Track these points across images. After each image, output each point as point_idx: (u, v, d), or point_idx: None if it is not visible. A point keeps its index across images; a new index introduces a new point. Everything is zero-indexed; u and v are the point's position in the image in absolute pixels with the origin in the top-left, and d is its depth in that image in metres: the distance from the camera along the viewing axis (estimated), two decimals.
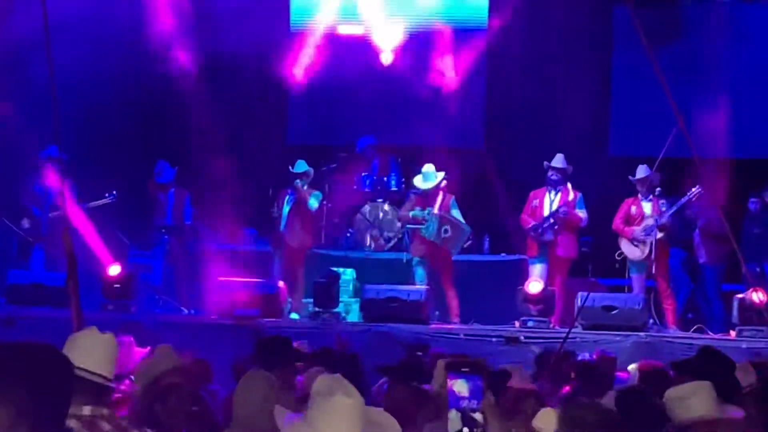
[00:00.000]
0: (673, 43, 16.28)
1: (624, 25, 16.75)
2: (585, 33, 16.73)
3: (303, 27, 17.68)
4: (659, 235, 13.61)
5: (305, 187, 14.62)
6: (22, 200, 14.86)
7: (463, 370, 3.46)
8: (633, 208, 13.86)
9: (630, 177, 13.83)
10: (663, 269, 13.78)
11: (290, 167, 14.72)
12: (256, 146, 16.64)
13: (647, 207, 13.81)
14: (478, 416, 3.43)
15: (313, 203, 14.56)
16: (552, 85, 16.50)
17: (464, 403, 3.43)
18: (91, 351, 4.41)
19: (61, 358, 3.22)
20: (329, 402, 3.47)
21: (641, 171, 13.79)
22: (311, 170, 14.81)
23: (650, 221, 13.68)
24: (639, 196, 13.86)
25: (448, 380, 3.45)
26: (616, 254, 13.90)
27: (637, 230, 13.73)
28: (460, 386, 3.44)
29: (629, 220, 13.85)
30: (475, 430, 3.42)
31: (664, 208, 13.70)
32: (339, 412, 3.47)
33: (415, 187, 14.74)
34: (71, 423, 4.11)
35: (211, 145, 16.25)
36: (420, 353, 10.53)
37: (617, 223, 13.84)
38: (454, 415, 3.44)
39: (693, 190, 13.53)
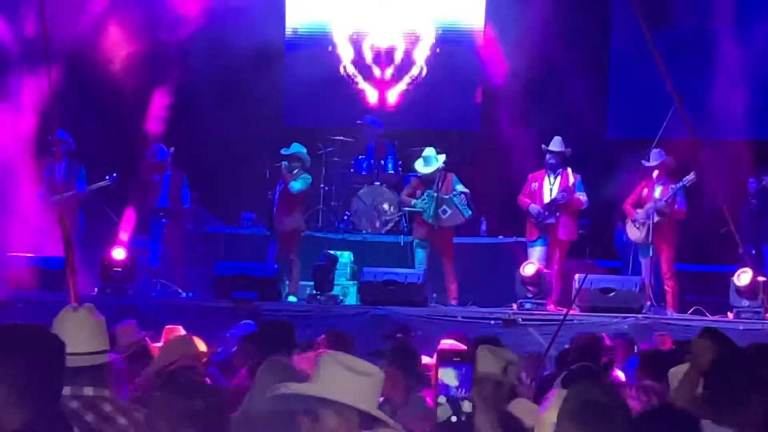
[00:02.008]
0: (671, 25, 16.25)
1: (622, 7, 16.71)
2: (583, 15, 16.70)
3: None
4: (657, 218, 13.63)
5: (295, 171, 14.56)
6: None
7: (454, 359, 3.48)
8: (645, 191, 13.85)
9: (643, 162, 13.75)
10: (666, 252, 13.79)
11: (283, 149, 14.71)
12: (252, 128, 16.63)
13: (657, 191, 13.81)
14: (466, 404, 3.45)
15: (295, 186, 14.39)
16: (549, 67, 16.47)
17: (453, 392, 3.46)
18: (76, 332, 4.33)
19: (53, 339, 3.24)
20: (326, 356, 3.58)
21: (656, 156, 13.71)
22: (302, 154, 14.68)
23: (651, 204, 13.70)
24: (653, 179, 13.83)
25: (438, 369, 3.49)
26: (624, 237, 13.92)
27: (639, 212, 13.76)
28: (449, 375, 3.47)
29: (640, 203, 13.85)
30: (462, 418, 3.44)
31: (670, 191, 13.70)
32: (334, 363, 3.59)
33: (414, 170, 14.73)
34: (73, 404, 4.12)
35: (208, 127, 16.24)
36: (400, 335, 10.57)
37: (626, 204, 13.84)
38: (443, 401, 3.46)
39: (687, 177, 13.50)
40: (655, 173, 13.78)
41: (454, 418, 3.44)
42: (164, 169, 15.01)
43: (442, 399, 3.46)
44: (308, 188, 14.69)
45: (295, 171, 14.53)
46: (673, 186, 13.69)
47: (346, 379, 3.68)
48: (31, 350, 3.17)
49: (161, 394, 3.80)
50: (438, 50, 17.81)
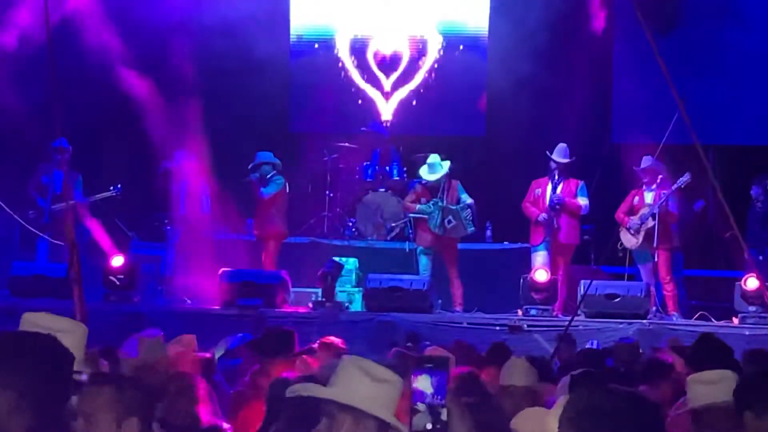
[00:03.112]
0: (674, 30, 16.25)
1: (625, 11, 16.71)
2: (586, 20, 16.68)
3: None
4: (651, 223, 13.62)
5: (269, 175, 14.65)
6: (29, 191, 14.88)
7: (427, 366, 3.49)
8: (636, 199, 13.92)
9: (635, 167, 13.83)
10: (663, 256, 13.79)
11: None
12: (258, 135, 16.64)
13: (649, 197, 13.84)
14: (443, 412, 3.46)
15: (267, 191, 14.58)
16: (554, 73, 16.47)
17: (428, 399, 3.47)
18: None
19: (60, 349, 3.25)
20: (348, 360, 3.64)
21: (645, 161, 13.79)
22: (270, 158, 14.75)
23: (646, 210, 13.71)
24: (643, 186, 13.88)
25: (413, 377, 3.49)
26: (618, 245, 13.91)
27: (633, 219, 13.77)
28: (423, 382, 3.47)
29: (632, 211, 13.88)
30: (438, 426, 3.45)
31: (662, 195, 13.73)
32: (356, 369, 3.63)
33: (419, 177, 14.72)
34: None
35: (213, 133, 16.25)
36: (410, 344, 10.54)
37: (619, 213, 13.88)
38: (422, 408, 3.47)
39: (682, 178, 13.52)
40: (643, 179, 13.81)
41: (429, 426, 3.45)
42: (181, 177, 15.03)
43: (421, 406, 3.47)
44: (283, 190, 14.73)
45: (269, 176, 14.60)
46: (665, 192, 13.70)
47: (364, 385, 3.70)
48: (38, 358, 3.19)
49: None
50: (442, 56, 17.82)
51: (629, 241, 13.84)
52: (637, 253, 13.95)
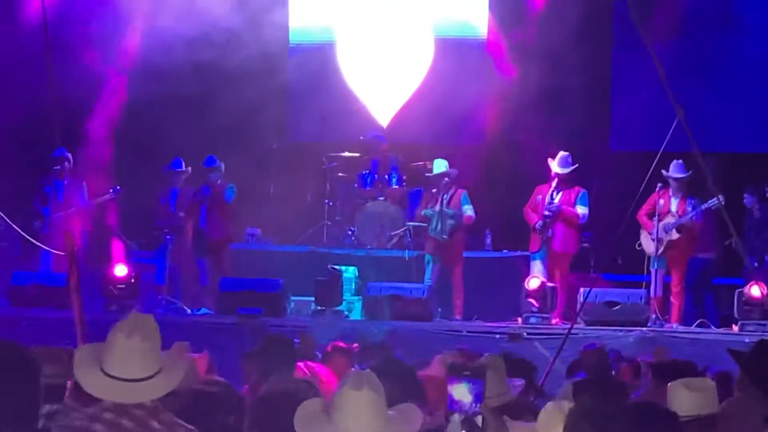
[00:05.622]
0: (673, 38, 16.26)
1: (624, 19, 16.73)
2: (585, 28, 16.71)
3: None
4: (676, 236, 13.53)
5: (219, 182, 14.84)
6: (34, 202, 14.88)
7: (464, 374, 3.46)
8: (661, 201, 13.66)
9: (664, 172, 13.38)
10: (679, 266, 13.70)
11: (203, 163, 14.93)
12: (258, 144, 16.64)
13: (674, 204, 13.68)
14: (479, 419, 3.43)
15: (230, 196, 14.81)
16: (553, 80, 16.48)
17: (465, 408, 3.43)
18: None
19: (27, 357, 3.23)
20: (353, 396, 3.53)
21: (676, 169, 13.57)
22: (216, 163, 14.93)
23: (671, 219, 13.59)
24: (670, 190, 13.73)
25: (449, 384, 3.45)
26: (636, 244, 13.81)
27: (658, 226, 13.60)
28: (461, 391, 3.44)
29: (654, 213, 13.67)
30: None
31: (690, 208, 13.57)
32: (362, 405, 3.54)
33: (419, 186, 14.80)
34: (107, 415, 4.09)
35: (212, 142, 16.26)
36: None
37: (641, 214, 13.56)
38: (456, 419, 3.44)
39: (712, 200, 13.15)
40: (672, 185, 13.64)
41: None
42: (171, 185, 15.03)
43: (457, 417, 3.43)
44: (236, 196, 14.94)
45: (219, 182, 14.77)
46: (691, 201, 13.54)
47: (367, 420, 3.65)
48: (2, 366, 3.17)
49: None
50: (441, 63, 17.81)
51: (649, 246, 13.65)
52: (654, 258, 13.81)
